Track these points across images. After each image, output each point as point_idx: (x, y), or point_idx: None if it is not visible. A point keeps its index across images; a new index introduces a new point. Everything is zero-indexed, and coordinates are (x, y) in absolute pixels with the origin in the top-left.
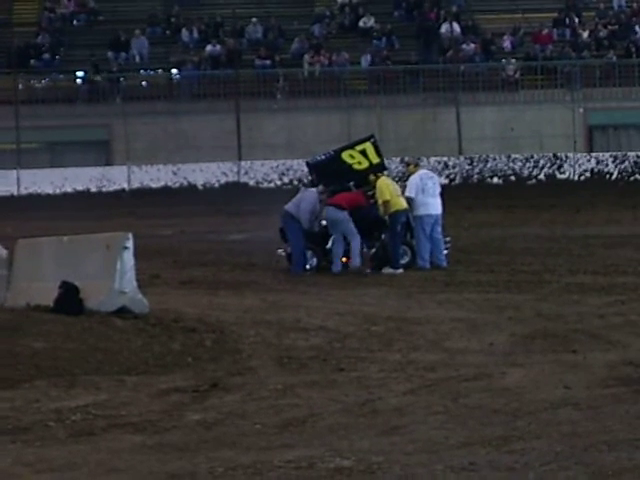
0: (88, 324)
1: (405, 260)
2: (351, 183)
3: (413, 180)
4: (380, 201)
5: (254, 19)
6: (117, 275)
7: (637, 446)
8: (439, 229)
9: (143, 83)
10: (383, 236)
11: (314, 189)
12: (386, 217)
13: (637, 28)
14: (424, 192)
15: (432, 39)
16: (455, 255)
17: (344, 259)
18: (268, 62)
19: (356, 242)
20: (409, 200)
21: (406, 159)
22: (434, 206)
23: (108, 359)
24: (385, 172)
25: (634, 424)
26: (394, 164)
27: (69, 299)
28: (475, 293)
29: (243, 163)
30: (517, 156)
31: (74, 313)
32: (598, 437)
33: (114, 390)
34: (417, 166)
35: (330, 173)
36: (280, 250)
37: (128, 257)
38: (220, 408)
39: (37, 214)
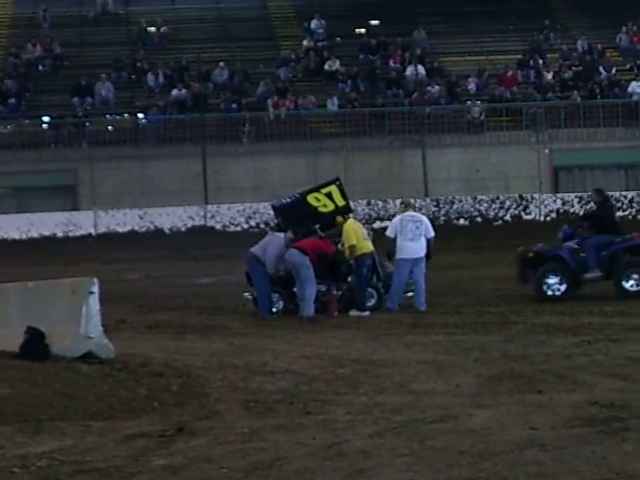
0: (54, 370)
1: (371, 302)
2: (317, 226)
3: (394, 221)
4: (346, 245)
5: (221, 63)
6: (83, 320)
7: None
8: (420, 272)
9: (109, 128)
10: (349, 279)
11: (281, 234)
12: (352, 261)
13: (601, 69)
14: (402, 234)
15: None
16: None
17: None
18: (234, 106)
19: (311, 290)
20: (389, 240)
21: (403, 199)
22: (411, 250)
23: (74, 404)
24: (350, 215)
25: (600, 464)
26: (360, 206)
27: (35, 345)
28: (441, 335)
29: (209, 207)
30: (483, 197)
31: (40, 359)
32: (564, 478)
33: (80, 436)
34: (406, 207)
35: (296, 216)
36: (247, 294)
37: (94, 302)
38: (186, 452)
39: (3, 260)
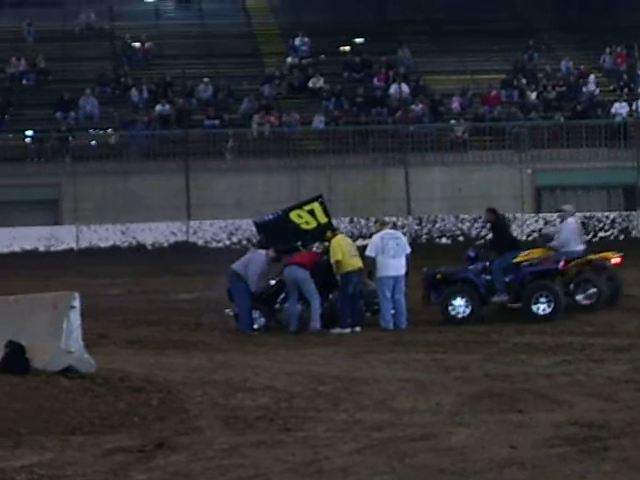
0: (34, 384)
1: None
2: (299, 243)
3: (374, 240)
4: (332, 260)
5: (205, 79)
6: (63, 334)
7: None
8: (401, 290)
9: (92, 142)
10: (331, 296)
11: (263, 251)
12: (338, 276)
13: (584, 90)
14: (384, 253)
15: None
16: None
17: None
18: (217, 122)
19: (316, 303)
20: (369, 259)
21: (377, 218)
22: (394, 267)
23: (54, 419)
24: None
25: None
26: (343, 224)
27: (15, 358)
28: (423, 353)
29: (192, 223)
30: (465, 216)
31: (20, 372)
32: None
33: (59, 450)
34: (383, 225)
35: (278, 233)
36: (228, 310)
37: (75, 316)
38: (165, 468)
39: None
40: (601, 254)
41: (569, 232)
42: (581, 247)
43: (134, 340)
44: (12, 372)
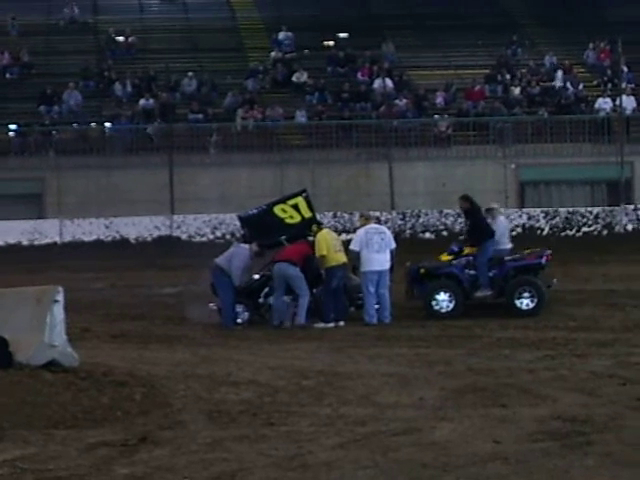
0: (17, 377)
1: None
2: (283, 237)
3: (358, 234)
4: (317, 255)
5: (189, 73)
6: (47, 328)
7: None
8: (385, 284)
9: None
10: (315, 290)
11: (246, 245)
12: (322, 271)
13: (568, 85)
14: (368, 247)
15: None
16: None
17: None
18: (201, 116)
19: (304, 300)
20: (353, 254)
21: (361, 212)
22: (378, 262)
23: (37, 413)
24: (322, 226)
25: (562, 478)
26: (326, 219)
27: None
28: (406, 348)
29: (176, 217)
30: (449, 211)
31: (3, 366)
32: None
33: (42, 444)
34: (367, 219)
35: (262, 227)
36: (212, 304)
37: (58, 310)
38: (149, 462)
39: None
40: (530, 251)
41: (502, 230)
42: (509, 245)
43: (117, 334)
44: None
